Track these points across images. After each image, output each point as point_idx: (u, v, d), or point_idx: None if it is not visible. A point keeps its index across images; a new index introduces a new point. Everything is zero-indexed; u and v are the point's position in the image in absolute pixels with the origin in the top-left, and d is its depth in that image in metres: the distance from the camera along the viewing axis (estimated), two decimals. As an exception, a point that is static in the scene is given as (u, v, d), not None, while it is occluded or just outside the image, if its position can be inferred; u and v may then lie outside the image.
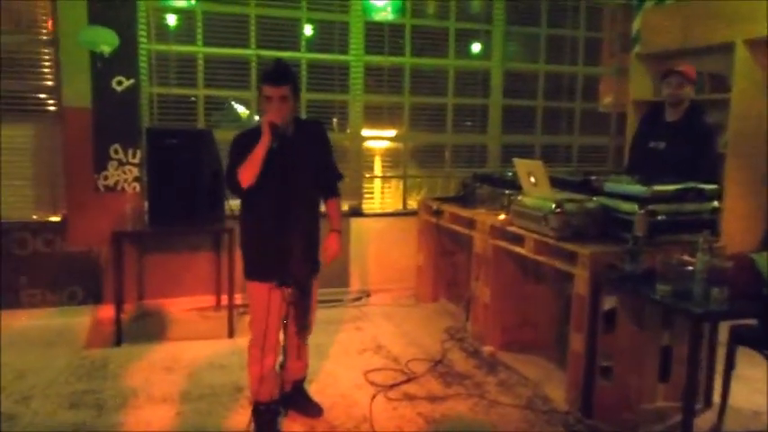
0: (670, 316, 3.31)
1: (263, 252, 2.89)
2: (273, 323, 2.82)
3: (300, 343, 3.05)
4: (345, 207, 5.37)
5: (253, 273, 2.92)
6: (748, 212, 4.74)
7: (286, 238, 2.80)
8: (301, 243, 2.84)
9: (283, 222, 2.83)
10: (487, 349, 4.08)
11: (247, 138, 2.80)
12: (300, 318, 2.90)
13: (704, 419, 3.23)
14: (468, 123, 5.92)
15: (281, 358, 2.94)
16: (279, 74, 2.78)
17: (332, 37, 5.34)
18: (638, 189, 3.40)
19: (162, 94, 4.89)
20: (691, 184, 3.44)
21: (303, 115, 5.20)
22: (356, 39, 5.30)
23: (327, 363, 3.89)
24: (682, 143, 3.87)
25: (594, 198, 3.61)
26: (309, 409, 3.19)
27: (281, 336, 2.91)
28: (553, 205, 3.48)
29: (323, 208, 3.13)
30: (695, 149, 3.82)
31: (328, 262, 3.08)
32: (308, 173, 2.92)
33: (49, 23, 4.50)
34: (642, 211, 3.27)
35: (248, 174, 2.76)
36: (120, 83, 4.59)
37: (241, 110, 5.33)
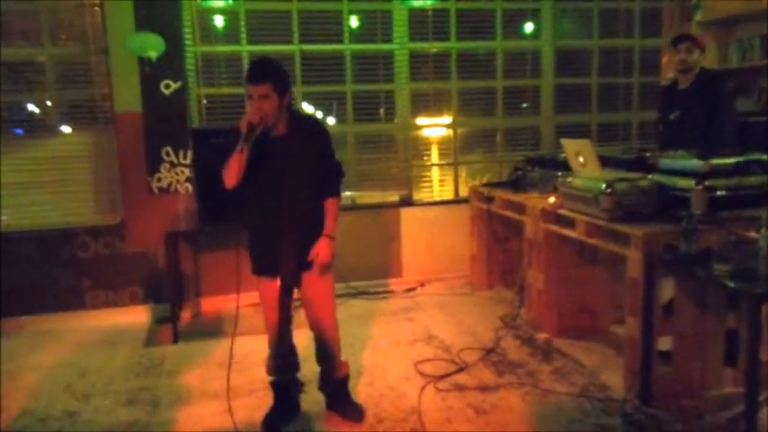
0: (736, 297, 3.10)
1: (259, 247, 2.94)
2: (270, 314, 2.97)
3: (324, 340, 3.02)
4: (395, 197, 5.34)
5: (253, 268, 2.97)
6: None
7: (276, 232, 2.84)
8: (291, 238, 2.84)
9: (274, 216, 2.84)
10: (542, 336, 3.96)
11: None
12: (281, 306, 2.95)
13: (776, 406, 3.02)
14: (521, 105, 5.75)
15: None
16: (258, 71, 2.72)
17: (375, 27, 5.28)
18: (694, 164, 3.21)
19: (210, 95, 4.97)
20: (753, 156, 3.22)
21: (349, 107, 5.19)
22: (400, 26, 5.23)
23: (377, 355, 3.86)
24: (695, 109, 3.87)
25: (649, 176, 3.43)
26: (349, 410, 3.10)
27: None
28: (603, 185, 3.32)
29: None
30: (710, 114, 3.81)
31: (318, 269, 2.90)
32: (301, 168, 2.84)
33: (99, 33, 4.63)
34: (699, 187, 3.09)
35: (229, 174, 2.74)
36: (167, 86, 4.69)
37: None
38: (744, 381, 2.88)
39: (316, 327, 3.02)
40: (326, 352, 3.05)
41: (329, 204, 2.96)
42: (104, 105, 4.72)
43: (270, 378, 3.10)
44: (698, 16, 5.42)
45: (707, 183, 3.09)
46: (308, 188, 2.88)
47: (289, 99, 2.83)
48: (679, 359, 3.10)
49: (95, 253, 4.72)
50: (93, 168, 4.78)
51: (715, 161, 3.16)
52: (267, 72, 2.73)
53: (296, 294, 3.01)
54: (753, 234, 2.73)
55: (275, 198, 2.83)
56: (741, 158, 3.19)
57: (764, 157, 3.22)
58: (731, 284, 2.57)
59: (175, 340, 4.19)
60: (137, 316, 4.71)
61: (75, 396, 3.47)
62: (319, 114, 5.53)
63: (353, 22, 5.24)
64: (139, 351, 4.08)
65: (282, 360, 3.04)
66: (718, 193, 3.10)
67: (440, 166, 5.58)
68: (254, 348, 3.96)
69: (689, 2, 5.55)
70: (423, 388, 3.35)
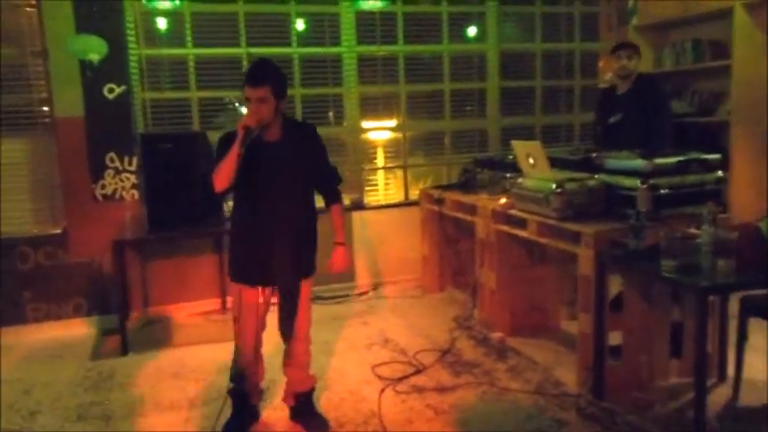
0: (679, 291, 3.24)
1: (247, 254, 2.85)
2: (247, 323, 2.87)
3: (296, 352, 2.98)
4: (347, 201, 5.33)
5: (235, 275, 2.89)
6: (757, 180, 4.63)
7: (271, 241, 2.77)
8: (289, 246, 2.80)
9: (269, 225, 2.78)
10: (496, 336, 4.03)
11: (231, 139, 2.70)
12: (283, 321, 2.88)
13: (719, 393, 3.17)
14: (468, 108, 5.84)
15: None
16: (257, 74, 2.68)
17: (323, 30, 5.27)
18: (638, 164, 3.32)
19: (155, 99, 4.85)
20: (693, 155, 3.37)
21: (298, 111, 5.16)
22: (347, 30, 5.23)
23: (334, 359, 3.85)
24: (635, 112, 4.10)
25: (596, 176, 3.54)
26: (313, 423, 3.03)
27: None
28: (554, 185, 3.41)
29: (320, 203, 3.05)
30: (649, 116, 4.05)
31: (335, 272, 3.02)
32: (297, 175, 2.81)
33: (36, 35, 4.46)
34: (644, 186, 3.21)
35: (221, 177, 2.68)
36: (111, 90, 4.55)
37: (245, 110, 5.27)
38: (692, 371, 3.02)
39: (295, 335, 2.95)
40: (299, 363, 3.01)
41: (334, 211, 2.99)
42: (43, 110, 4.55)
43: (231, 386, 3.01)
44: (633, 21, 5.63)
45: (651, 182, 3.21)
46: (301, 194, 2.85)
47: (284, 104, 2.79)
48: (628, 353, 3.21)
49: (36, 264, 4.53)
50: (33, 176, 4.59)
51: (658, 161, 3.28)
52: (266, 75, 2.68)
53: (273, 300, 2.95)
54: (694, 230, 2.86)
55: (268, 204, 2.77)
56: (682, 158, 3.32)
57: (703, 156, 3.37)
58: (678, 279, 2.68)
59: (125, 352, 4.06)
60: (82, 328, 4.54)
61: (21, 414, 3.31)
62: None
63: (301, 25, 5.21)
64: (87, 365, 3.94)
65: (251, 368, 2.97)
66: (662, 191, 3.23)
67: (389, 169, 5.61)
68: (207, 357, 3.91)
69: (625, 6, 5.77)
70: (382, 391, 3.36)
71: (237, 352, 2.96)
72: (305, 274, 2.92)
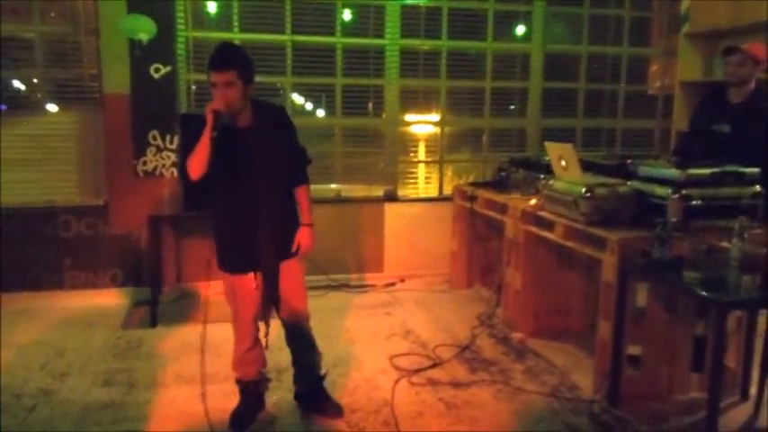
0: (705, 304, 3.18)
1: (233, 242, 2.85)
2: (244, 311, 2.90)
3: (297, 330, 2.99)
4: (380, 192, 5.38)
5: (223, 264, 2.90)
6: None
7: (254, 227, 2.76)
8: (268, 230, 2.78)
9: (248, 211, 2.76)
10: (517, 336, 4.02)
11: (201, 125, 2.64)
12: (266, 302, 2.89)
13: (739, 412, 3.12)
14: (512, 107, 5.81)
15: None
16: (223, 58, 2.63)
17: (367, 21, 5.31)
18: (672, 173, 3.26)
19: (200, 81, 4.97)
20: (730, 168, 3.29)
21: (338, 100, 5.21)
22: (392, 22, 5.25)
23: (354, 347, 3.90)
24: (748, 126, 3.67)
25: (628, 182, 3.49)
26: (327, 408, 3.06)
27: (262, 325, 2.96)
28: (583, 189, 3.37)
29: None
30: (762, 132, 3.58)
31: (301, 257, 2.95)
32: (271, 158, 2.77)
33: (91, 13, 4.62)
34: (676, 196, 3.15)
35: (194, 165, 2.65)
36: (157, 70, 4.68)
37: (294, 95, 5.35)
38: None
39: (293, 317, 2.96)
40: (307, 343, 3.04)
41: (301, 192, 2.94)
42: (93, 86, 4.72)
43: (236, 375, 3.05)
44: (685, 28, 5.49)
45: (683, 192, 3.16)
46: (279, 179, 2.83)
47: (253, 88, 2.74)
48: (648, 363, 3.17)
49: (77, 233, 4.72)
50: (79, 149, 4.78)
51: (692, 171, 3.22)
52: (232, 59, 2.64)
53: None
54: (724, 244, 2.80)
55: (246, 191, 2.76)
56: (717, 169, 3.25)
57: (740, 169, 3.29)
58: (701, 292, 2.63)
59: (154, 324, 4.20)
60: (116, 298, 4.72)
61: (52, 374, 3.48)
62: (309, 106, 5.56)
63: (346, 15, 5.26)
64: (117, 333, 4.09)
65: (253, 355, 3.00)
66: (694, 202, 3.17)
67: (425, 163, 5.63)
68: (231, 335, 3.98)
69: (678, 13, 5.63)
70: (397, 381, 3.40)
71: (237, 341, 2.99)
72: (291, 255, 2.90)
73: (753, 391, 3.19)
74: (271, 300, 2.91)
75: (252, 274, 2.86)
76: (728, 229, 2.84)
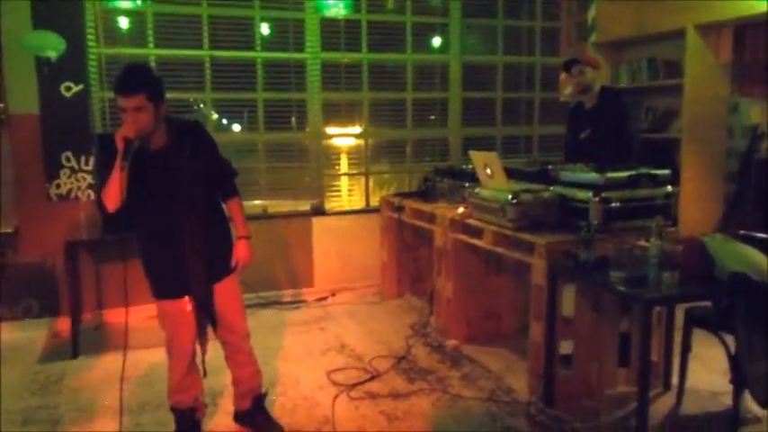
0: (628, 302, 3.32)
1: (162, 269, 2.76)
2: (180, 335, 2.81)
3: (239, 349, 2.92)
4: (307, 207, 5.34)
5: (156, 292, 2.80)
6: (705, 196, 4.80)
7: (177, 250, 2.67)
8: (197, 251, 2.68)
9: (172, 234, 2.66)
10: (451, 343, 4.07)
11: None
12: (201, 324, 2.81)
13: (663, 402, 3.27)
14: (433, 117, 5.91)
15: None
16: (129, 81, 2.47)
17: (287, 35, 5.28)
18: (592, 177, 3.41)
19: (114, 99, 4.77)
20: (643, 170, 3.46)
21: (260, 116, 5.15)
22: (312, 36, 5.24)
23: (290, 365, 3.84)
24: (603, 127, 4.10)
25: (551, 188, 3.62)
26: (268, 429, 2.98)
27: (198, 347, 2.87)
28: (509, 196, 3.47)
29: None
30: (617, 130, 4.07)
31: (240, 271, 2.88)
32: (190, 177, 2.66)
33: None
34: (596, 199, 3.29)
35: (110, 197, 2.51)
36: (68, 88, 4.48)
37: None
38: (636, 380, 3.10)
39: (231, 336, 2.88)
40: (246, 360, 2.95)
41: (233, 205, 2.87)
42: (-3, 107, 4.46)
43: (171, 403, 2.93)
44: (592, 38, 5.76)
45: (603, 195, 3.30)
46: (201, 197, 2.71)
47: (165, 107, 2.59)
48: (578, 362, 3.29)
49: (-15, 264, 4.43)
50: (-16, 173, 4.49)
51: (610, 174, 3.37)
52: (139, 81, 2.48)
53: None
54: (643, 243, 2.95)
55: (168, 214, 2.64)
56: (633, 172, 3.42)
57: (653, 171, 3.47)
58: (625, 290, 2.76)
59: (75, 355, 3.99)
60: (32, 331, 4.44)
61: (-36, 418, 3.24)
62: (229, 122, 5.45)
63: (265, 29, 5.21)
64: (35, 368, 3.85)
65: (189, 381, 2.90)
66: (613, 204, 3.31)
67: (350, 175, 5.63)
68: (159, 361, 3.81)
69: (584, 24, 5.90)
70: (336, 397, 3.37)
71: (173, 368, 2.88)
72: (225, 274, 2.82)
73: (674, 381, 3.35)
74: (206, 322, 2.82)
75: (185, 297, 2.76)
76: (646, 229, 3.00)
